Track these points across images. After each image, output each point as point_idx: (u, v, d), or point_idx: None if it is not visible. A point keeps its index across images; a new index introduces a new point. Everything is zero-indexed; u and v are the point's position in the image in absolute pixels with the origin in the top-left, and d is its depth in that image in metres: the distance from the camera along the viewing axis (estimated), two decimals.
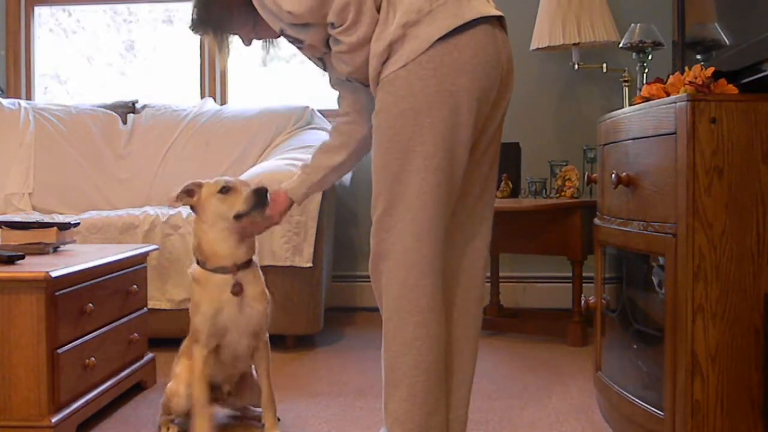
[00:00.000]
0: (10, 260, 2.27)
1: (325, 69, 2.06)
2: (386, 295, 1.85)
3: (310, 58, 2.05)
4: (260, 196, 2.12)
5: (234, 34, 2.07)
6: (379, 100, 1.82)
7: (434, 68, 1.75)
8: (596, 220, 2.48)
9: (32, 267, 2.20)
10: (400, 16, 1.77)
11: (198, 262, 2.19)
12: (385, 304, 1.86)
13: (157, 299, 3.24)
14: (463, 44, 1.76)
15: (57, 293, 2.16)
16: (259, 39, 2.10)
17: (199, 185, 2.22)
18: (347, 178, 3.74)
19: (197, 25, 2.06)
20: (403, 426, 1.85)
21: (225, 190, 2.17)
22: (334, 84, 2.11)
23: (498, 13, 1.86)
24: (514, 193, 3.73)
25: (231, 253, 2.16)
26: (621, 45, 3.47)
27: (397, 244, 1.81)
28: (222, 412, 2.42)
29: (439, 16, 1.77)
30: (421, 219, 1.79)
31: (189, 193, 2.21)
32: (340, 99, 2.12)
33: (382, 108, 1.81)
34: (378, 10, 1.81)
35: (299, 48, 2.00)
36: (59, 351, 2.16)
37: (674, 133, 1.86)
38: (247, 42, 2.08)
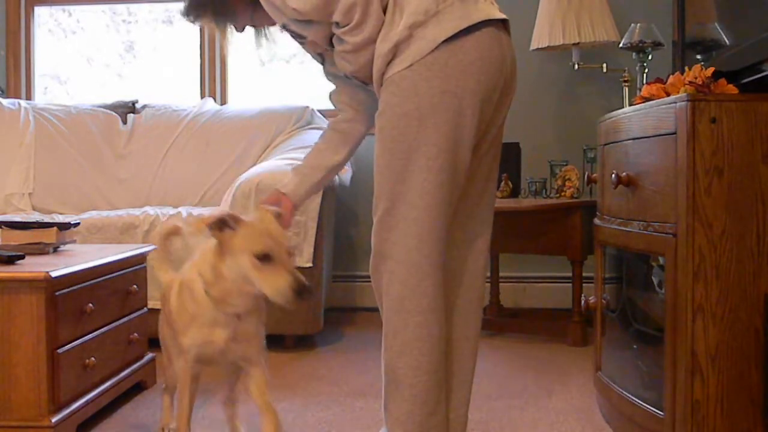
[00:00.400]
0: (10, 260, 2.27)
1: (323, 63, 2.05)
2: (387, 296, 1.85)
3: (308, 52, 2.04)
4: (302, 296, 1.78)
5: (230, 22, 2.04)
6: (383, 100, 1.82)
7: (440, 69, 1.75)
8: (596, 220, 2.48)
9: (32, 267, 2.20)
10: (407, 17, 1.77)
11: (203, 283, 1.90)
12: (385, 304, 1.86)
13: (157, 299, 3.23)
14: (468, 46, 1.77)
15: (57, 293, 2.16)
16: (255, 27, 2.08)
17: (237, 222, 1.81)
18: (347, 177, 3.74)
19: (191, 9, 2.01)
20: (404, 426, 1.85)
21: (265, 258, 1.77)
22: (329, 77, 2.10)
23: (503, 16, 1.86)
24: (514, 193, 3.73)
25: (243, 305, 1.89)
26: (621, 45, 3.47)
27: (398, 244, 1.81)
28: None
29: (446, 17, 1.77)
30: (424, 219, 1.79)
31: (221, 225, 1.80)
32: (335, 93, 2.10)
33: (386, 108, 1.81)
34: (384, 11, 1.81)
35: (300, 43, 1.99)
36: (59, 351, 2.16)
37: (674, 133, 1.86)
38: (240, 29, 2.06)
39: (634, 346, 2.20)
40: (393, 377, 1.86)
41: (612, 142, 2.30)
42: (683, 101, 1.83)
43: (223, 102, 4.43)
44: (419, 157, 1.77)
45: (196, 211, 3.46)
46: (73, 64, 4.71)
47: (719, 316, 1.81)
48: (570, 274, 3.54)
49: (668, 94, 2.07)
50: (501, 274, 3.85)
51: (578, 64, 3.82)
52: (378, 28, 1.80)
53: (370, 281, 1.91)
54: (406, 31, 1.76)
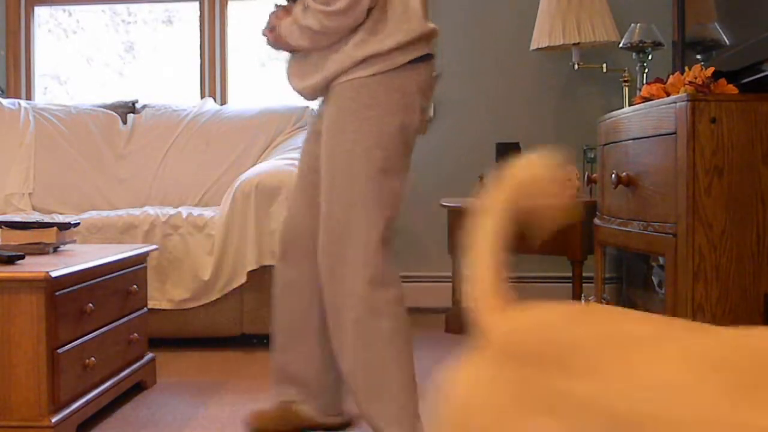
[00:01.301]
0: (10, 260, 2.27)
1: None
2: (354, 295, 1.94)
3: None
4: None
5: None
6: (338, 104, 1.94)
7: (401, 84, 1.95)
8: (596, 220, 2.48)
9: (32, 267, 2.20)
10: (392, 39, 1.93)
11: None
12: (353, 303, 1.95)
13: (157, 299, 3.24)
14: (422, 69, 1.98)
15: (57, 293, 2.16)
16: None
17: None
18: None
19: None
20: (401, 425, 1.90)
21: None
22: None
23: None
24: None
25: None
26: (621, 45, 3.47)
27: (362, 247, 1.92)
28: None
29: (413, 45, 1.95)
30: (383, 220, 1.94)
31: None
32: None
33: (345, 114, 1.94)
34: (367, 14, 1.92)
35: None
36: (59, 351, 2.16)
37: (674, 133, 1.86)
38: None
39: None
40: (375, 375, 1.93)
41: (612, 142, 2.30)
42: (683, 101, 1.83)
43: (223, 102, 4.43)
44: (377, 160, 1.92)
45: (197, 211, 3.46)
46: (73, 64, 4.71)
47: (719, 316, 1.81)
48: (570, 274, 3.54)
49: (668, 94, 2.07)
50: None
51: (578, 64, 3.82)
52: (355, 24, 1.91)
53: None
54: (384, 49, 1.92)
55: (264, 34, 2.09)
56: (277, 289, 2.20)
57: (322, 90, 2.01)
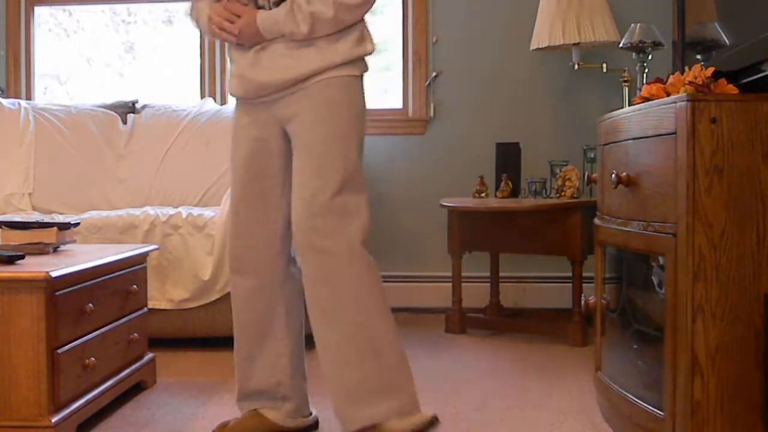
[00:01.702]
0: (10, 260, 2.27)
1: None
2: (349, 267, 2.03)
3: None
4: None
5: None
6: (328, 96, 2.04)
7: (364, 91, 2.13)
8: (596, 220, 2.48)
9: (32, 267, 2.20)
10: (369, 44, 2.09)
11: None
12: (351, 275, 2.03)
13: (156, 299, 3.24)
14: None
15: (57, 293, 2.16)
16: None
17: None
18: None
19: None
20: (406, 388, 2.08)
21: None
22: None
23: None
24: (514, 193, 3.73)
25: None
26: (621, 45, 3.47)
27: (358, 225, 2.04)
28: None
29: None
30: (366, 197, 2.09)
31: None
32: None
33: (339, 103, 2.06)
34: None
35: None
36: (59, 351, 2.16)
37: (674, 133, 1.86)
38: None
39: (634, 346, 2.20)
40: (369, 347, 2.02)
41: (612, 142, 2.30)
42: (683, 101, 1.83)
43: (223, 102, 4.43)
44: (359, 146, 2.08)
45: (197, 211, 3.46)
46: (73, 64, 4.71)
47: (719, 316, 1.81)
48: (570, 274, 3.54)
49: (668, 94, 2.07)
50: (501, 274, 3.85)
51: (578, 64, 3.82)
52: (353, 22, 2.03)
53: None
54: (368, 53, 2.09)
55: (224, 28, 2.07)
56: (236, 300, 2.25)
57: (297, 84, 2.05)
